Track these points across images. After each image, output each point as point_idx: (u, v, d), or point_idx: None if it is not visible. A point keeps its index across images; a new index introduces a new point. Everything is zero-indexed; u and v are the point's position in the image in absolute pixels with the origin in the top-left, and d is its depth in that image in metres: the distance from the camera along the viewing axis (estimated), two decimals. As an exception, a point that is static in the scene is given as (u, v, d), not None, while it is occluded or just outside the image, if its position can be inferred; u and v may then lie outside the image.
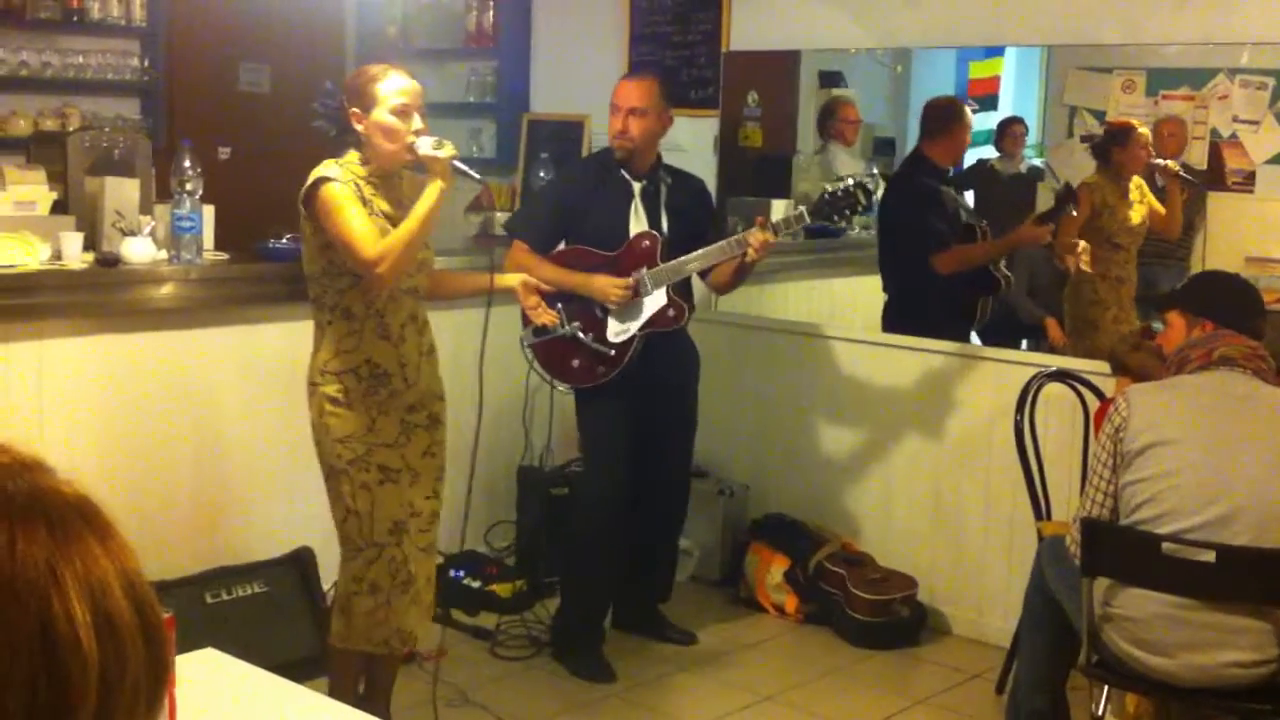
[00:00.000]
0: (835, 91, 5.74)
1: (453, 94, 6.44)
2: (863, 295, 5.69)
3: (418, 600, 3.47)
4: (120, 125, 5.52)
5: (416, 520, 3.45)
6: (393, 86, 3.29)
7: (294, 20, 6.26)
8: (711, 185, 5.22)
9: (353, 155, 3.34)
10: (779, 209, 5.40)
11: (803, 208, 4.13)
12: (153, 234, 3.95)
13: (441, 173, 3.26)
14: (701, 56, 5.39)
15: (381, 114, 3.28)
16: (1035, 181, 5.56)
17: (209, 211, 4.08)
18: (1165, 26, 4.34)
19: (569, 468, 5.02)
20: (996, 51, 5.53)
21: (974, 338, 4.94)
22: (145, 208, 4.08)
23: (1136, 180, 4.81)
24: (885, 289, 5.00)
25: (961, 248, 4.79)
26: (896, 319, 4.96)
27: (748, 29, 5.26)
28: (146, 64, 5.97)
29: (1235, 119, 4.61)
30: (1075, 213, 4.71)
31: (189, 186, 3.85)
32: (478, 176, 3.36)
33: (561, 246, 4.28)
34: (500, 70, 6.18)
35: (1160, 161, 4.69)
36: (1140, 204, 4.82)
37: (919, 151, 4.95)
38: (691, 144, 5.30)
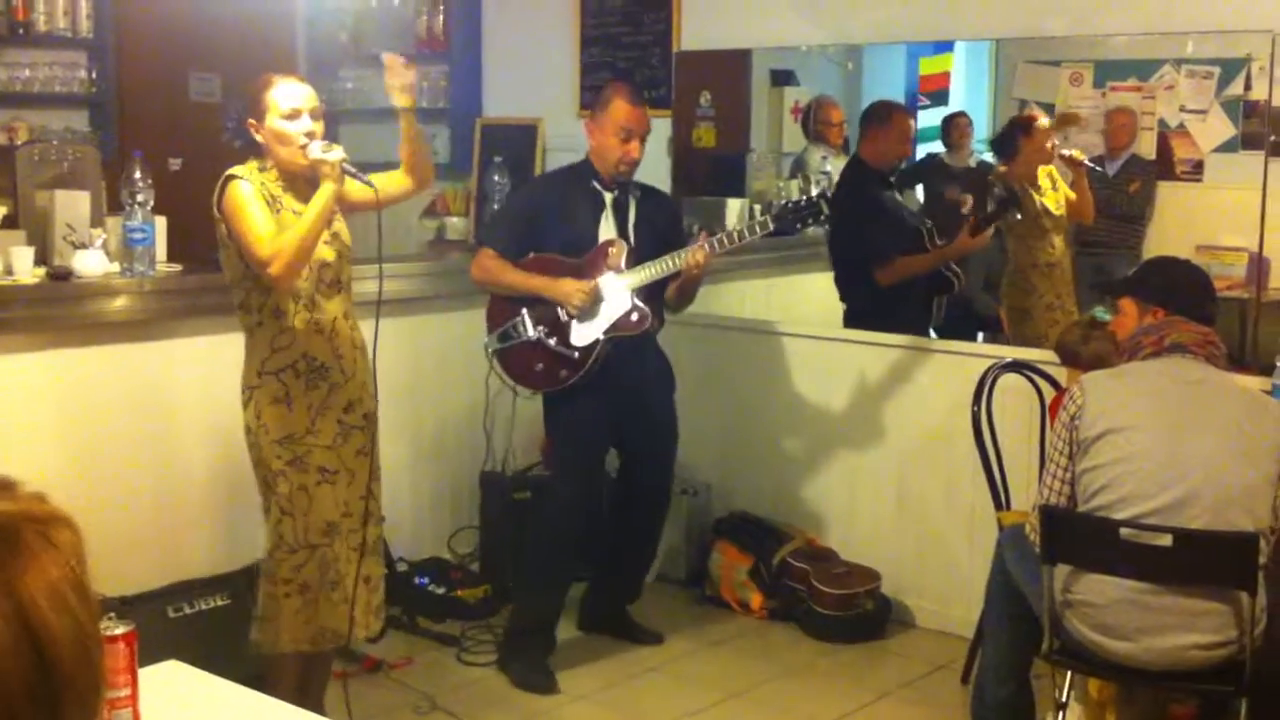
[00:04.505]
0: (821, 94, 5.78)
1: (405, 100, 6.41)
2: (820, 292, 5.71)
3: (347, 599, 3.46)
4: (69, 138, 5.48)
5: (349, 520, 3.46)
6: (281, 93, 3.35)
7: (244, 29, 6.22)
8: (666, 186, 5.23)
9: (252, 164, 3.39)
10: (734, 208, 5.43)
11: (766, 215, 4.16)
12: (104, 246, 3.91)
13: (331, 175, 3.29)
14: (653, 57, 5.40)
15: (273, 120, 3.33)
16: (986, 175, 5.61)
17: (161, 223, 4.05)
18: (1112, 18, 4.39)
19: (531, 472, 5.01)
20: (946, 47, 5.56)
21: (931, 334, 4.98)
22: (96, 220, 4.05)
23: (1045, 169, 4.92)
24: (841, 298, 5.06)
25: (902, 261, 4.85)
26: (854, 322, 5.02)
27: (699, 28, 5.27)
28: (94, 75, 5.91)
29: (1183, 109, 4.66)
30: (1020, 217, 4.80)
31: (140, 198, 3.82)
32: (366, 179, 3.37)
33: (530, 256, 4.27)
34: (452, 75, 6.16)
35: (1066, 152, 4.79)
36: (1054, 191, 4.92)
37: (856, 155, 5.04)
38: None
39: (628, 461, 4.50)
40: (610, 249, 4.20)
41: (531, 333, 4.20)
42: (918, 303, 4.95)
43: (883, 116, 4.97)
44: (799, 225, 4.16)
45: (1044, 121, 4.91)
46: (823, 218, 4.15)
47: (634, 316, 4.20)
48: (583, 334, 4.19)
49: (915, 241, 4.90)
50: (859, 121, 5.05)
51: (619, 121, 4.19)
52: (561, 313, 4.18)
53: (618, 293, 4.17)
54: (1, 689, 0.93)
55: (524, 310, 4.21)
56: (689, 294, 4.32)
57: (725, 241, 4.12)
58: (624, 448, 4.46)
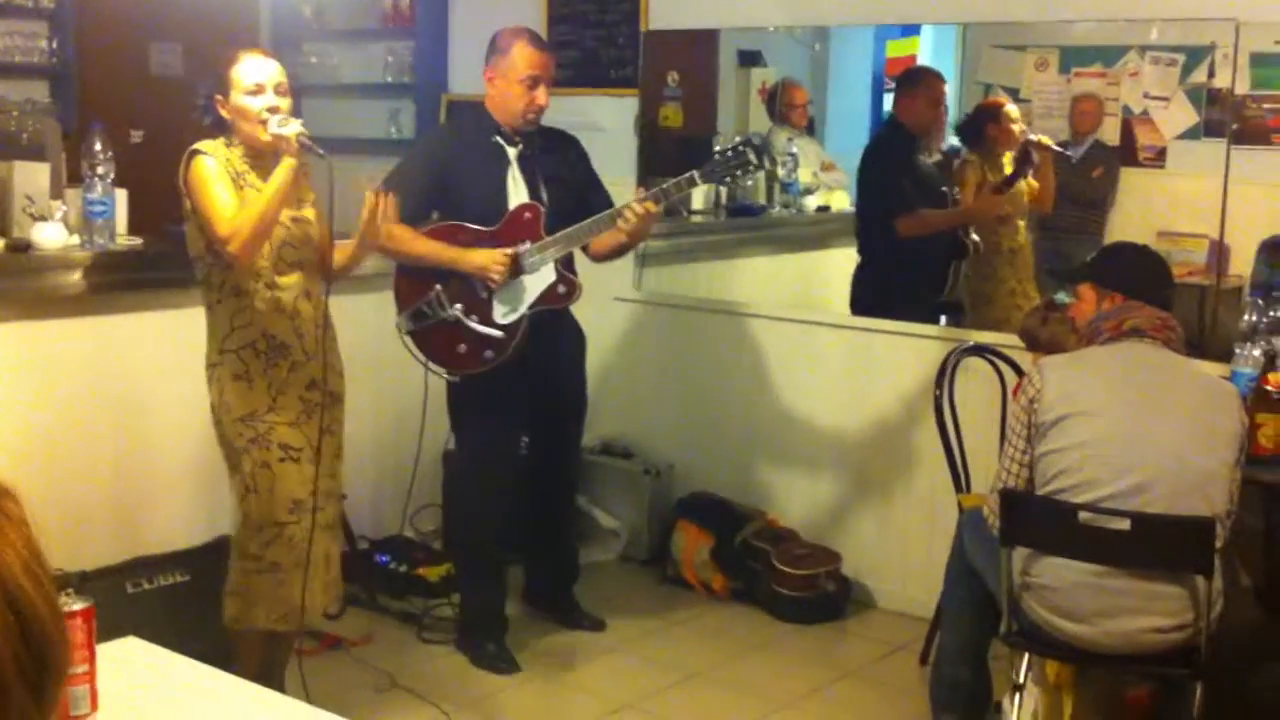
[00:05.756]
0: (786, 76, 5.81)
1: (370, 74, 6.38)
2: (785, 274, 5.74)
3: (316, 576, 3.47)
4: (29, 109, 5.40)
5: (312, 499, 3.44)
6: (246, 68, 3.33)
7: (206, 1, 6.16)
8: (632, 166, 5.22)
9: (220, 140, 3.37)
10: (699, 189, 5.42)
11: (694, 171, 3.93)
12: (64, 219, 3.88)
13: (289, 149, 3.27)
14: (621, 36, 5.38)
15: (238, 96, 3.32)
16: (953, 159, 5.63)
17: (121, 195, 4.01)
18: (1077, 4, 4.41)
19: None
20: (913, 30, 5.57)
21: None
22: (56, 192, 4.00)
23: (1006, 156, 4.98)
24: (860, 253, 5.11)
25: (926, 213, 4.96)
26: (868, 285, 5.06)
27: (667, 8, 5.26)
28: (55, 46, 5.84)
29: (1146, 95, 4.68)
30: (1033, 175, 4.84)
31: (100, 170, 3.78)
32: (322, 153, 3.29)
33: (435, 219, 4.07)
34: (418, 50, 6.13)
35: (1035, 137, 4.82)
36: None
37: (892, 116, 5.19)
38: (612, 124, 5.30)
39: (540, 435, 4.33)
40: (525, 215, 4.01)
41: (449, 311, 3.98)
42: (934, 266, 5.01)
43: (915, 80, 5.13)
44: (729, 178, 4.01)
45: (1011, 108, 4.94)
46: (752, 167, 3.93)
47: (561, 289, 4.03)
48: (505, 311, 4.00)
49: (940, 204, 5.03)
50: (896, 85, 5.20)
51: (523, 68, 4.00)
52: (480, 288, 3.98)
53: (540, 263, 3.99)
54: None
55: (437, 286, 4.00)
56: (629, 246, 4.16)
57: (664, 195, 3.92)
58: (536, 421, 4.29)
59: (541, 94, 4.03)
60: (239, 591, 3.47)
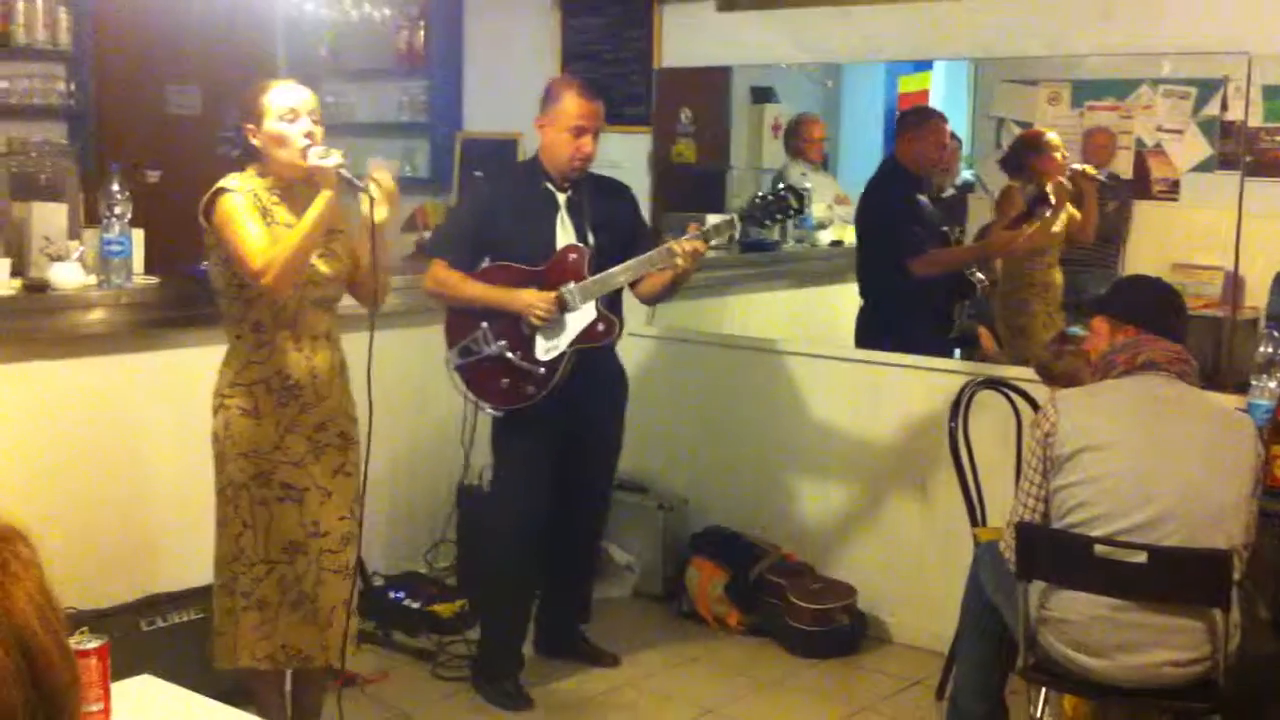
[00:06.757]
0: (802, 111, 5.85)
1: (385, 114, 6.43)
2: (799, 308, 5.74)
3: (312, 620, 3.39)
4: (47, 150, 5.45)
5: (322, 541, 3.38)
6: (279, 94, 3.30)
7: (223, 42, 6.21)
8: (645, 201, 5.23)
9: (250, 170, 3.34)
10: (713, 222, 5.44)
11: (733, 214, 4.07)
12: (82, 259, 3.90)
13: (328, 181, 3.23)
14: (634, 73, 5.41)
15: (270, 122, 3.28)
16: (966, 193, 5.63)
17: (138, 235, 4.04)
18: (1089, 38, 4.42)
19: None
20: (925, 66, 5.60)
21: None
22: (74, 232, 4.03)
23: (1049, 185, 4.93)
24: (862, 295, 5.09)
25: (938, 251, 4.94)
26: (873, 326, 5.04)
27: (679, 46, 5.29)
28: (73, 88, 5.90)
29: (1159, 128, 4.68)
30: (1050, 214, 4.81)
31: (118, 210, 3.81)
32: (362, 185, 3.27)
33: (487, 263, 4.13)
34: (432, 89, 6.18)
35: (1079, 166, 4.79)
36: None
37: (891, 156, 5.14)
38: (625, 160, 5.32)
39: (570, 475, 4.32)
40: (570, 256, 4.08)
41: (493, 347, 4.06)
42: (939, 306, 5.00)
43: (918, 121, 5.10)
44: (768, 221, 4.12)
45: (1052, 136, 4.90)
46: (793, 212, 4.06)
47: (600, 326, 4.08)
48: (547, 348, 4.06)
49: (942, 244, 5.01)
50: (895, 125, 5.16)
51: (572, 117, 4.07)
52: (524, 326, 4.04)
53: (582, 302, 4.05)
54: (5, 716, 0.92)
55: (484, 323, 4.08)
56: (679, 285, 4.15)
57: (705, 237, 3.97)
58: (569, 460, 4.29)
59: (587, 143, 4.10)
60: (222, 631, 3.41)
